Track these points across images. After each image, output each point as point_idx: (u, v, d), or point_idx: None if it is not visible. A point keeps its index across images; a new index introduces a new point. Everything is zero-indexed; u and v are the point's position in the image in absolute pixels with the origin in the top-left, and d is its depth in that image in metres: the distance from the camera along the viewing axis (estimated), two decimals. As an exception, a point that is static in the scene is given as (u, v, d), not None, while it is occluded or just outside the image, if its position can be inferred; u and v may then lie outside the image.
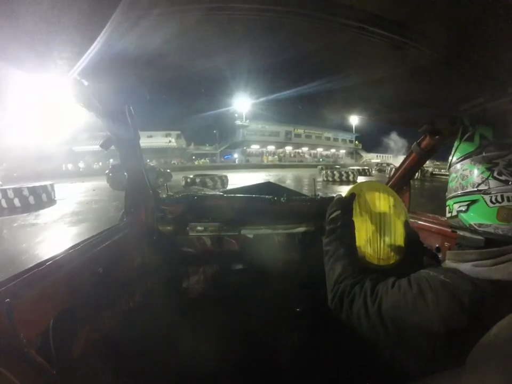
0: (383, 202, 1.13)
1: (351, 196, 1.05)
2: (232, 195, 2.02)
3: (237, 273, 1.86)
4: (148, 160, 32.41)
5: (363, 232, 1.06)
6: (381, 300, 0.71)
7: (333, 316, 0.83)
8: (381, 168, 32.00)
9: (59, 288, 0.96)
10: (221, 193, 2.09)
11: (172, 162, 36.51)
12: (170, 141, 38.99)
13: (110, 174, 15.03)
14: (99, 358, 1.09)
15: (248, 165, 35.30)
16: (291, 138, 50.12)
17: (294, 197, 2.01)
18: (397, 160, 46.18)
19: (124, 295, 1.40)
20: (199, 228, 1.72)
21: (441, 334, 0.60)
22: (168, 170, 17.45)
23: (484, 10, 0.56)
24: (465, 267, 0.68)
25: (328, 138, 54.25)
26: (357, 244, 1.00)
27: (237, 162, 40.81)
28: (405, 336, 0.66)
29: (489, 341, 0.53)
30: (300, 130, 50.60)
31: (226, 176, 14.58)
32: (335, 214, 0.97)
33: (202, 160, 41.67)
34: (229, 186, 13.17)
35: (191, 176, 14.16)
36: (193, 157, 43.86)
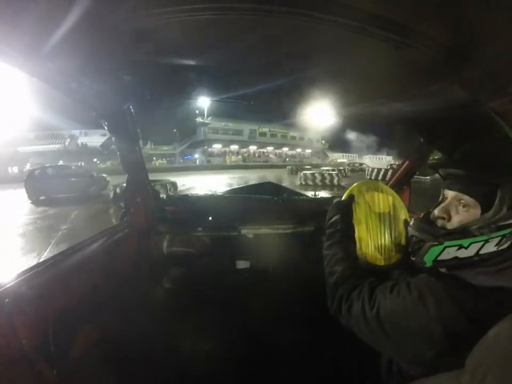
0: (382, 202, 1.20)
1: (350, 198, 1.10)
2: (232, 195, 2.14)
3: (236, 273, 1.95)
4: (81, 163, 30.68)
5: (363, 233, 1.12)
6: (379, 305, 0.74)
7: (333, 316, 0.90)
8: (353, 168, 31.33)
9: (59, 288, 1.02)
10: (221, 193, 2.21)
11: None
12: None
13: (29, 181, 12.54)
14: (99, 358, 1.13)
15: (209, 166, 34.74)
16: (255, 137, 50.44)
17: (294, 197, 2.15)
18: (362, 159, 49.18)
19: (123, 295, 1.45)
20: (199, 228, 1.83)
21: (442, 339, 0.63)
22: (103, 175, 14.67)
23: (483, 10, 0.60)
24: (467, 275, 0.70)
25: (294, 138, 55.53)
26: (358, 244, 1.07)
27: (198, 163, 40.01)
28: (405, 342, 0.69)
29: (489, 341, 0.55)
30: (265, 129, 51.00)
31: (174, 183, 11.53)
32: (334, 218, 1.03)
33: (159, 161, 39.87)
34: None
35: (124, 185, 10.76)
36: (154, 158, 41.77)
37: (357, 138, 55.48)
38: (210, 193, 2.33)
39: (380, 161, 46.27)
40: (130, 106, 1.48)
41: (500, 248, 0.67)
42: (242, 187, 2.65)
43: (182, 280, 1.88)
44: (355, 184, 1.19)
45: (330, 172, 18.73)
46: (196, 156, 44.55)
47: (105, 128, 1.44)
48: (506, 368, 0.50)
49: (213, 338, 1.55)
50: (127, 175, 1.68)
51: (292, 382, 1.47)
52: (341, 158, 57.18)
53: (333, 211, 1.06)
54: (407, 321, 0.68)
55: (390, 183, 1.92)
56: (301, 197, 2.29)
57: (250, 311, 1.72)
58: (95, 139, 35.47)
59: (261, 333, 1.63)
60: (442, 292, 0.67)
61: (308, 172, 18.28)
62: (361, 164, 35.50)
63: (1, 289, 0.84)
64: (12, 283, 0.88)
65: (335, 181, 17.30)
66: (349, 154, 60.86)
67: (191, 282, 1.88)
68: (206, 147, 45.04)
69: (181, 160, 44.82)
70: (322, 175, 17.68)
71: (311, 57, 0.94)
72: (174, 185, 11.36)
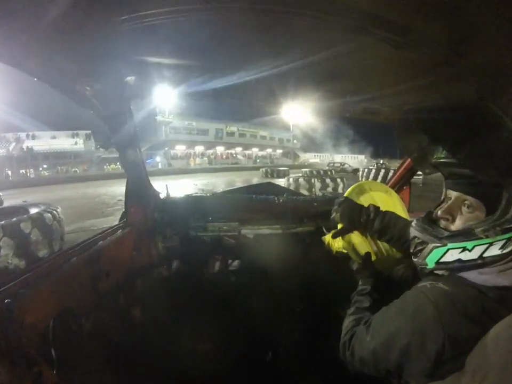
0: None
1: (368, 263, 1.18)
2: (233, 195, 2.27)
3: (236, 273, 2.09)
4: (31, 170, 28.26)
5: (360, 243, 1.24)
6: (379, 333, 0.78)
7: (332, 315, 1.02)
8: (334, 168, 28.98)
9: (59, 288, 1.08)
10: (221, 194, 2.31)
11: (73, 170, 32.27)
12: (76, 143, 34.28)
13: None
14: (99, 358, 1.20)
15: (170, 171, 32.41)
16: (222, 137, 49.50)
17: (294, 197, 2.30)
18: (334, 159, 50.64)
19: (124, 295, 1.54)
20: (199, 228, 1.94)
21: (446, 347, 0.64)
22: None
23: (483, 10, 0.62)
24: (470, 274, 0.72)
25: (264, 137, 55.28)
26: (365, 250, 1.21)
27: (160, 166, 38.36)
28: (410, 360, 0.70)
29: (489, 341, 0.58)
30: (233, 128, 50.25)
31: (54, 215, 5.27)
32: (363, 290, 1.11)
33: (111, 165, 37.27)
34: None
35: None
36: (107, 163, 39.15)
37: (328, 137, 56.97)
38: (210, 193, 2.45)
39: (353, 161, 48.02)
40: (131, 106, 1.55)
41: (504, 251, 0.68)
42: (242, 187, 2.82)
43: (182, 280, 1.97)
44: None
45: (334, 176, 14.95)
46: (158, 159, 42.10)
47: (106, 128, 1.50)
48: (507, 369, 0.53)
49: (213, 338, 1.67)
50: (126, 175, 1.76)
51: (291, 381, 1.60)
52: (313, 158, 57.88)
53: (361, 285, 1.14)
54: (409, 338, 0.70)
55: (390, 183, 2.07)
56: (301, 197, 2.46)
57: (250, 311, 1.85)
58: (43, 142, 32.55)
59: (261, 333, 1.76)
60: (441, 296, 0.70)
61: (301, 179, 13.48)
62: (342, 164, 33.73)
63: (1, 289, 0.90)
64: (12, 283, 0.94)
65: (340, 189, 13.13)
66: (321, 154, 62.32)
67: (191, 282, 1.97)
68: (167, 149, 43.29)
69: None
70: (323, 181, 13.28)
71: (310, 56, 1.01)
72: (55, 217, 5.29)
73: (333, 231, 1.25)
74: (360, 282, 1.14)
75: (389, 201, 1.37)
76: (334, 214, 1.22)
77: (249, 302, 1.91)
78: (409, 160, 1.92)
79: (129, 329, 1.49)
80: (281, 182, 13.43)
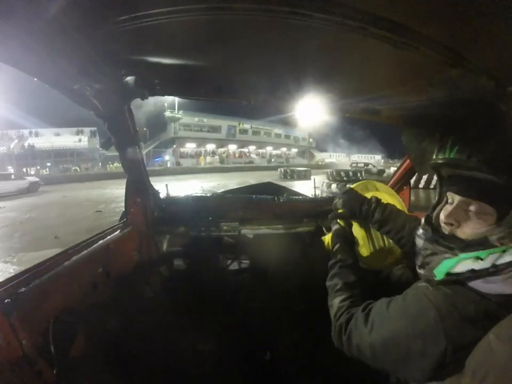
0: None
1: (347, 224, 1.23)
2: (233, 195, 2.34)
3: (236, 273, 2.15)
4: (29, 169, 28.62)
5: (360, 239, 1.28)
6: (378, 330, 0.79)
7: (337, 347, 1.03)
8: (357, 169, 27.29)
9: (59, 288, 1.12)
10: (221, 193, 2.40)
11: (74, 168, 32.58)
12: (80, 140, 34.30)
13: None
14: (99, 358, 1.25)
15: (178, 170, 31.92)
16: (235, 134, 48.72)
17: (294, 197, 2.36)
18: (350, 159, 49.99)
19: (124, 295, 1.58)
20: (199, 228, 1.99)
21: (448, 352, 0.66)
22: None
23: (483, 10, 0.64)
24: (475, 283, 0.72)
25: (279, 135, 54.35)
26: (361, 244, 1.25)
27: (169, 165, 38.04)
28: (409, 361, 0.72)
29: (489, 342, 0.60)
30: (246, 126, 49.23)
31: None
32: (335, 248, 1.15)
33: (115, 164, 35.71)
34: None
35: None
36: (110, 162, 38.89)
37: (344, 137, 56.30)
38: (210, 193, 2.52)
39: (370, 161, 47.16)
40: (131, 106, 1.60)
41: None
42: (242, 187, 2.90)
43: (182, 280, 2.03)
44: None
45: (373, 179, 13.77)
46: (167, 157, 41.56)
47: (105, 128, 1.55)
48: (507, 369, 0.55)
49: (213, 338, 1.72)
50: (127, 175, 1.82)
51: (291, 381, 1.65)
52: (328, 157, 57.54)
53: (333, 240, 1.18)
54: (410, 340, 0.72)
55: (390, 183, 2.12)
56: (301, 197, 2.51)
57: (250, 310, 1.90)
58: (46, 139, 32.62)
59: (261, 333, 1.82)
60: (443, 299, 0.71)
61: (346, 183, 9.66)
62: (366, 164, 32.49)
63: (1, 289, 0.94)
64: (12, 283, 0.98)
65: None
66: (337, 154, 61.83)
67: (191, 282, 2.03)
68: (176, 146, 42.77)
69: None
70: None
71: (311, 57, 1.06)
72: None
73: (331, 233, 1.27)
74: (336, 247, 1.15)
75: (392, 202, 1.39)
76: (336, 200, 1.28)
77: (249, 302, 1.96)
78: (409, 160, 1.94)
79: (129, 329, 1.53)
80: (309, 186, 11.64)
